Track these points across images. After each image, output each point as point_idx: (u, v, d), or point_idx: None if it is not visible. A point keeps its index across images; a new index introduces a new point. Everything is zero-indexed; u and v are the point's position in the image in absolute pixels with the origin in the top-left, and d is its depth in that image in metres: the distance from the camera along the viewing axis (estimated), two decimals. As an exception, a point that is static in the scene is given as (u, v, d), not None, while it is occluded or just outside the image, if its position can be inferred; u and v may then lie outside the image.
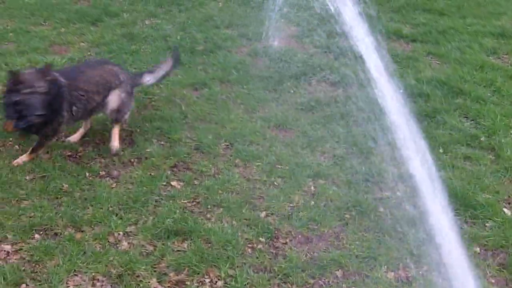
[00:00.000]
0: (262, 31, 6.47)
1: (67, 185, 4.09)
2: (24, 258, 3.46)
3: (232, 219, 3.87)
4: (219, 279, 3.40)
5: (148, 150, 4.54)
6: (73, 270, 3.39)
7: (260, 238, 3.73)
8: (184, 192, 4.10)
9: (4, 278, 3.29)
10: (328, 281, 3.45)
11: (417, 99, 5.42)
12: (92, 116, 4.68)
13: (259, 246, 3.67)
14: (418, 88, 5.62)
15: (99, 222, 3.77)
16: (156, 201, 4.01)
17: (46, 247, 3.52)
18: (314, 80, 5.77)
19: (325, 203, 4.07)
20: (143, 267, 3.43)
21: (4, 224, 3.70)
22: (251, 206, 4.00)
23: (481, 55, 6.43)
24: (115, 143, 4.50)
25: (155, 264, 3.48)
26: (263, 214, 3.94)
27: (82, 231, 3.70)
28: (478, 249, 3.74)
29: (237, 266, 3.49)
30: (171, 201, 4.00)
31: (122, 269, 3.41)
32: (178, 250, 3.60)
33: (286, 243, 3.72)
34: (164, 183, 4.19)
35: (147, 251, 3.58)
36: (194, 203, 4.03)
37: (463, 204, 4.07)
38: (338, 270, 3.52)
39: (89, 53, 6.15)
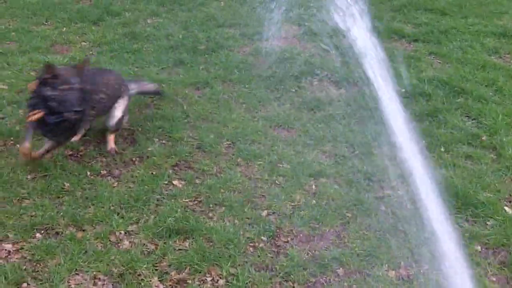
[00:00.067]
0: (264, 30, 6.46)
1: (68, 184, 4.10)
2: (25, 257, 3.47)
3: (233, 218, 3.87)
4: (220, 278, 3.40)
5: (149, 149, 4.54)
6: (74, 269, 3.39)
7: (262, 237, 3.73)
8: (186, 191, 4.10)
9: (5, 277, 3.29)
10: (329, 279, 3.45)
11: (418, 99, 5.42)
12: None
13: (260, 245, 3.67)
14: (420, 87, 5.61)
15: (101, 221, 3.78)
16: (157, 200, 4.01)
17: (47, 246, 3.52)
18: (316, 80, 5.77)
19: (326, 202, 4.07)
20: (145, 266, 3.43)
21: (5, 223, 3.70)
22: (252, 205, 4.00)
23: (483, 55, 6.41)
24: (112, 146, 4.49)
25: (156, 263, 3.48)
26: (264, 213, 3.94)
27: (83, 230, 3.70)
28: (479, 248, 3.73)
29: (239, 265, 3.49)
30: (172, 200, 4.00)
31: (124, 268, 3.41)
32: (180, 249, 3.60)
33: (287, 241, 3.72)
34: (166, 182, 4.19)
35: (148, 250, 3.58)
36: (196, 202, 4.03)
37: (464, 203, 4.06)
38: (339, 268, 3.52)
39: (90, 52, 6.16)
